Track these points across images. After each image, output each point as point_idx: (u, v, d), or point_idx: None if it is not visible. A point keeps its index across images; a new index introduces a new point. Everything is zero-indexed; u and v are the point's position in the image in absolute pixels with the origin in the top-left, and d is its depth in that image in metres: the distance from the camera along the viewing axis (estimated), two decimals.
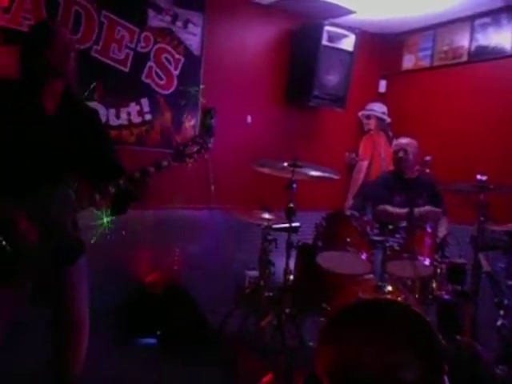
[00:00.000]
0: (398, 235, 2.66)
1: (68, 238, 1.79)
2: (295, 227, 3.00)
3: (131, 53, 3.47)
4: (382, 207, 3.08)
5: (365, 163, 4.18)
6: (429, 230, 2.71)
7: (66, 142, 1.79)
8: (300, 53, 4.01)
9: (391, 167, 3.59)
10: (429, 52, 4.22)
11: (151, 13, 3.51)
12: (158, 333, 3.13)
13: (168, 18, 3.58)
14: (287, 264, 2.92)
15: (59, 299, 1.90)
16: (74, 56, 1.78)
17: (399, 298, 2.47)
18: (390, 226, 2.65)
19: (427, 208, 3.03)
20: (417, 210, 2.79)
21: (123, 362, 2.81)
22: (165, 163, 1.82)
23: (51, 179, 1.75)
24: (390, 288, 2.52)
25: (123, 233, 3.30)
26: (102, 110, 3.40)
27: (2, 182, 1.70)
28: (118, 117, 3.48)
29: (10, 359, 2.03)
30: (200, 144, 1.90)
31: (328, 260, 2.79)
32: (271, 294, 3.12)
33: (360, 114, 4.37)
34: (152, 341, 3.12)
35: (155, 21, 3.53)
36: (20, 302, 1.82)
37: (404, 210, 2.82)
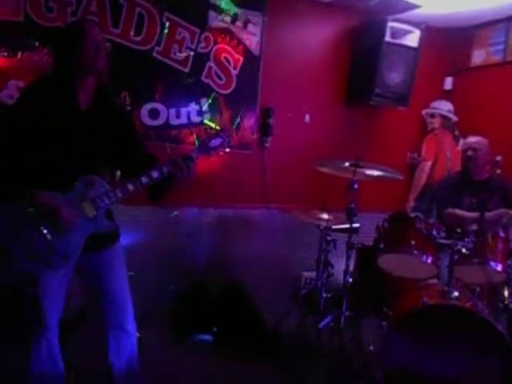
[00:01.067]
0: (467, 239, 2.59)
1: (102, 229, 1.93)
2: (355, 228, 3.00)
3: (192, 53, 3.58)
4: (451, 210, 3.00)
5: (428, 164, 4.07)
6: (501, 234, 2.64)
7: (99, 136, 1.93)
8: (361, 50, 3.98)
9: (458, 168, 3.49)
10: (501, 46, 4.04)
11: (212, 13, 3.61)
12: (215, 330, 3.20)
13: (228, 19, 3.67)
14: (347, 265, 2.93)
15: (100, 281, 2.04)
16: (105, 54, 1.90)
17: (467, 305, 2.42)
18: (459, 230, 2.57)
19: (500, 210, 2.92)
20: (488, 214, 2.69)
21: (179, 358, 2.91)
22: (193, 156, 1.98)
23: (87, 170, 1.89)
24: (456, 294, 2.48)
25: (183, 230, 3.47)
26: (162, 110, 3.55)
27: (41, 174, 1.84)
28: (178, 116, 3.60)
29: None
30: (222, 138, 2.06)
31: (390, 263, 2.78)
32: (329, 295, 3.14)
33: (424, 112, 4.26)
34: (208, 337, 3.20)
35: (215, 21, 3.63)
36: (65, 287, 1.97)
37: (475, 214, 2.72)
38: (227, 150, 2.09)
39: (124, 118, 2.14)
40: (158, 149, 3.35)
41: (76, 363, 2.31)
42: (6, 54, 3.10)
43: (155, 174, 1.92)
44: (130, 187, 1.91)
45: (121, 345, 2.08)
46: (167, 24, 3.48)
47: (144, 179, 1.92)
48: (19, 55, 3.13)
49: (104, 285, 2.05)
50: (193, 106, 3.63)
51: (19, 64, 3.13)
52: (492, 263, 2.56)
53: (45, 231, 1.79)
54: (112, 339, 2.07)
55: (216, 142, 2.04)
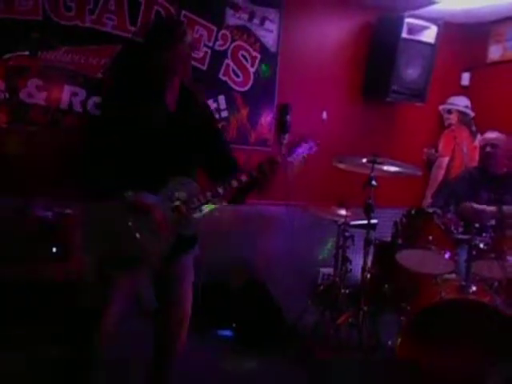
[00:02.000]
0: (485, 234, 2.69)
1: (190, 231, 1.96)
2: (373, 224, 3.10)
3: (209, 51, 3.70)
4: (468, 204, 3.08)
5: (445, 159, 4.16)
6: None
7: (187, 137, 1.97)
8: (378, 47, 4.07)
9: (475, 163, 3.57)
10: None
11: (229, 11, 3.73)
12: (234, 325, 3.30)
13: (245, 16, 3.78)
14: (365, 261, 3.04)
15: (167, 283, 2.07)
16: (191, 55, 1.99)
17: (485, 300, 2.51)
18: (477, 225, 2.66)
19: None
20: (506, 208, 2.77)
21: (199, 353, 2.94)
22: (278, 159, 1.97)
23: (177, 173, 1.93)
24: (474, 288, 2.57)
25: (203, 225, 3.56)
26: None
27: (133, 174, 1.86)
28: None
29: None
30: (310, 144, 2.04)
31: (408, 258, 2.88)
32: (347, 291, 3.25)
33: (441, 108, 4.35)
34: (228, 333, 3.30)
35: (233, 19, 3.74)
36: (138, 288, 2.03)
37: (492, 208, 2.80)
38: (311, 153, 2.07)
39: (209, 119, 2.14)
40: None
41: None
42: (27, 53, 3.21)
43: (244, 178, 1.94)
44: (220, 190, 1.93)
45: (168, 349, 2.16)
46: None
47: (234, 182, 1.93)
48: (39, 54, 3.23)
49: (170, 294, 2.09)
50: (210, 104, 3.70)
51: (39, 63, 3.24)
52: (509, 258, 2.63)
53: (135, 231, 1.82)
54: (161, 341, 2.15)
55: (303, 148, 2.04)
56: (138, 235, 1.83)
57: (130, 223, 1.83)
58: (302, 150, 2.04)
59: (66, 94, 3.34)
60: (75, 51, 3.32)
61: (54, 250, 3.07)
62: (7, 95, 3.20)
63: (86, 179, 1.94)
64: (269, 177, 1.96)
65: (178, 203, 1.89)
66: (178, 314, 2.13)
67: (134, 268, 1.89)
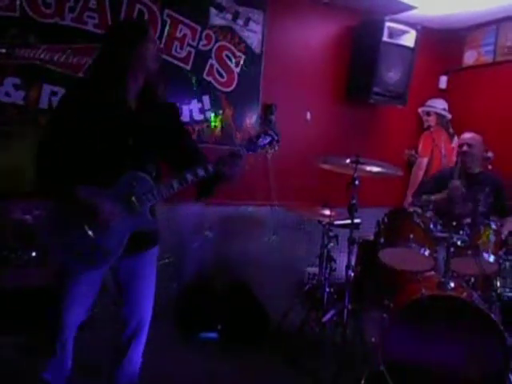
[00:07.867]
0: (461, 232, 2.92)
1: (146, 226, 2.06)
2: (357, 223, 3.26)
3: (193, 51, 3.87)
4: (425, 197, 3.40)
5: (424, 160, 4.47)
6: (493, 226, 2.97)
7: (146, 135, 2.07)
8: (360, 49, 4.35)
9: (452, 164, 3.87)
10: (491, 47, 4.50)
11: (213, 11, 3.91)
12: (219, 327, 3.44)
13: (229, 16, 3.98)
14: (349, 260, 3.16)
15: (127, 286, 2.18)
16: (157, 56, 2.09)
17: (463, 295, 2.72)
18: (454, 223, 2.90)
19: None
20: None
21: (184, 356, 3.13)
22: (240, 153, 2.08)
23: (133, 169, 2.03)
24: (452, 285, 2.76)
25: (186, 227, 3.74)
26: None
27: (88, 170, 1.98)
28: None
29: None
30: (272, 136, 2.14)
31: (390, 256, 3.07)
32: (332, 289, 3.42)
33: (420, 110, 4.68)
34: (213, 335, 3.44)
35: (217, 19, 3.93)
36: (98, 287, 2.15)
37: (443, 195, 3.16)
38: (276, 148, 2.17)
39: (172, 117, 2.24)
40: None
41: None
42: (3, 50, 3.27)
43: (201, 172, 2.02)
44: (175, 184, 2.02)
45: (130, 351, 2.21)
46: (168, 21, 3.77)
47: (189, 176, 2.02)
48: (16, 51, 3.30)
49: (129, 291, 2.18)
50: (195, 104, 3.92)
51: (16, 61, 3.30)
52: (485, 254, 2.88)
53: (87, 229, 1.94)
54: (124, 343, 2.21)
55: (265, 140, 2.12)
56: (91, 233, 1.96)
57: (82, 223, 1.95)
58: (263, 143, 2.13)
59: (45, 93, 3.42)
60: (55, 49, 3.40)
61: (34, 254, 3.19)
62: None
63: (39, 176, 2.02)
64: (230, 170, 2.07)
65: (133, 197, 1.98)
66: (136, 314, 2.19)
67: (95, 266, 2.03)
